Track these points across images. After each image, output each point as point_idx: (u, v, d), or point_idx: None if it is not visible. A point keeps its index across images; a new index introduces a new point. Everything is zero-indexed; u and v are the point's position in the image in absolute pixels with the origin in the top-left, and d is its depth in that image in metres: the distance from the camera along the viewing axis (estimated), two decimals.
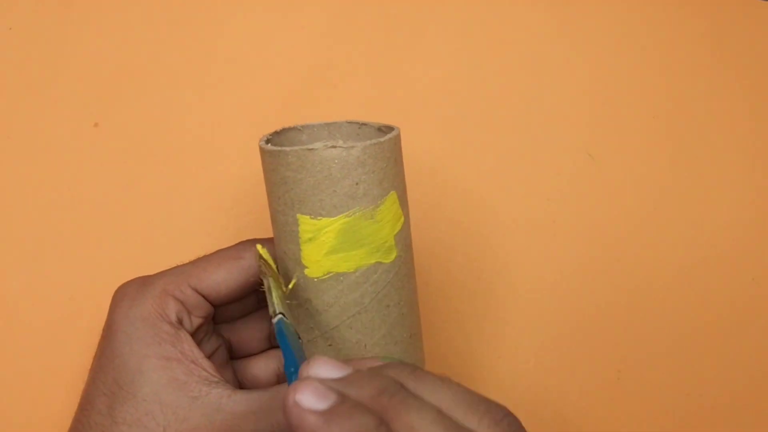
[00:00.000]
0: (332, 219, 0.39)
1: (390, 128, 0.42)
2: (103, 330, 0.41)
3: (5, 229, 0.52)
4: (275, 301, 0.38)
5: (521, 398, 0.54)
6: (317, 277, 0.40)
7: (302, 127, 0.45)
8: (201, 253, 0.44)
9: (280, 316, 0.37)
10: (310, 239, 0.39)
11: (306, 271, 0.40)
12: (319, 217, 0.39)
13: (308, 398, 0.31)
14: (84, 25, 0.55)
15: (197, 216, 0.54)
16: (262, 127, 0.54)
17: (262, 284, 0.44)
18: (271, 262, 0.41)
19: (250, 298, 0.46)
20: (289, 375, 0.35)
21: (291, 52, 0.56)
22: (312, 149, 0.38)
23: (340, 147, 0.38)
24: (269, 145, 0.41)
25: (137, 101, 0.54)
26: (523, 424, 0.53)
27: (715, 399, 0.54)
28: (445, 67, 0.56)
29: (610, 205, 0.56)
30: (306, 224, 0.39)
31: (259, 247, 0.41)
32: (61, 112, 0.54)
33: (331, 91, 0.55)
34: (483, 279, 0.54)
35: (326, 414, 0.31)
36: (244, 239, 0.45)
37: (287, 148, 0.39)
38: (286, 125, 0.44)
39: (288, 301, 0.40)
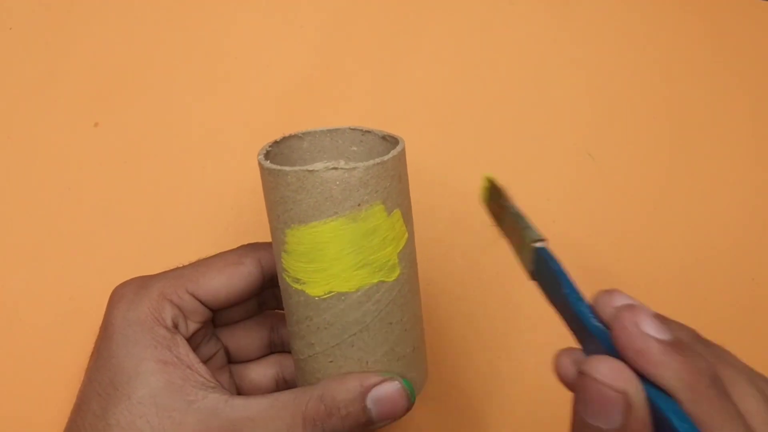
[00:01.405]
0: (323, 221, 0.38)
1: (394, 138, 0.41)
2: (100, 331, 0.41)
3: (5, 228, 0.52)
4: (533, 228, 0.36)
5: (521, 398, 0.54)
6: (318, 296, 0.39)
7: (303, 134, 0.44)
8: (201, 253, 0.44)
9: (544, 242, 0.36)
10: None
11: (307, 289, 0.39)
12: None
13: (651, 327, 0.31)
14: (84, 25, 0.55)
15: (197, 216, 0.54)
16: (263, 127, 0.54)
17: (261, 291, 0.44)
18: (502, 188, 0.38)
19: (250, 303, 0.46)
20: (574, 300, 0.34)
21: (292, 53, 0.56)
22: (312, 171, 0.37)
23: (341, 168, 0.37)
24: (269, 158, 0.40)
25: (137, 101, 0.54)
26: (524, 424, 0.53)
27: None
28: (446, 67, 0.56)
29: (610, 206, 0.55)
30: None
31: (488, 174, 0.39)
32: (61, 112, 0.54)
33: (332, 92, 0.55)
34: (483, 279, 0.54)
35: (671, 345, 0.31)
36: (245, 242, 0.44)
37: (287, 168, 0.38)
38: (287, 129, 0.43)
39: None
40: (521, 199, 0.55)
